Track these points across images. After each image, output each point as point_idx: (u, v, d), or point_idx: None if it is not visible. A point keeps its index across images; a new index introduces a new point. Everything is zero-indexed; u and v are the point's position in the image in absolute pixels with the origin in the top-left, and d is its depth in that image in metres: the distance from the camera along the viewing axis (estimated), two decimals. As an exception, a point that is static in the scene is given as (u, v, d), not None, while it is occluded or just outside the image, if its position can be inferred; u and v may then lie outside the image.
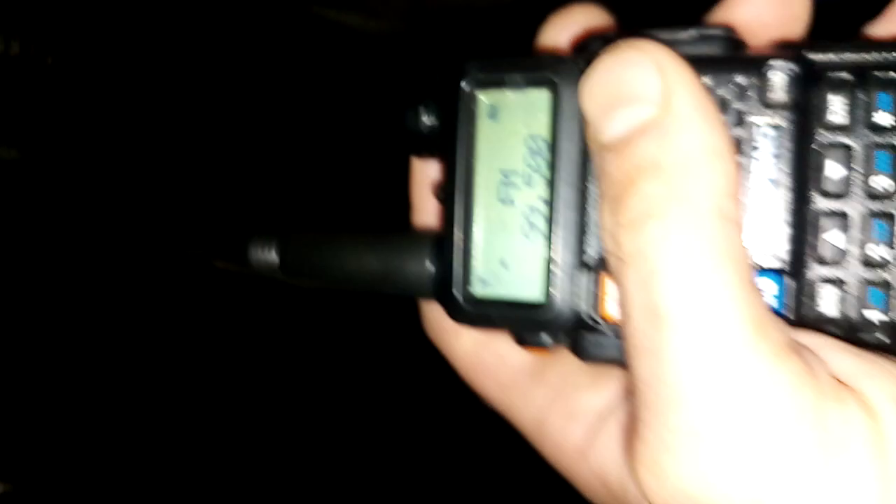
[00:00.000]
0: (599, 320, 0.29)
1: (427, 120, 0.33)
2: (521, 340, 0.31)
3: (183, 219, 0.87)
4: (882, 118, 0.27)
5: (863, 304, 0.28)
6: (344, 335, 0.95)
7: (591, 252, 0.29)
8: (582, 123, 0.29)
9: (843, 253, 0.28)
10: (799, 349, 0.25)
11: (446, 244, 0.31)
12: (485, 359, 0.35)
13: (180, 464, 0.99)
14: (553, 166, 0.30)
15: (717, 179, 0.25)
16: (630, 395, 0.27)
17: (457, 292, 0.31)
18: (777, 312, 0.28)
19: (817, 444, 0.23)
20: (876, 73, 0.27)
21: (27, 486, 0.95)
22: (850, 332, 0.28)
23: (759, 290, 0.25)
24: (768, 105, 0.28)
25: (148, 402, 0.99)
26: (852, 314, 0.28)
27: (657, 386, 0.24)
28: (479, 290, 0.31)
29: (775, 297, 0.28)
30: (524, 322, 0.31)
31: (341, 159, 0.86)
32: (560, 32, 0.34)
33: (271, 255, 0.36)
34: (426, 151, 0.35)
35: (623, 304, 0.25)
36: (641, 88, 0.25)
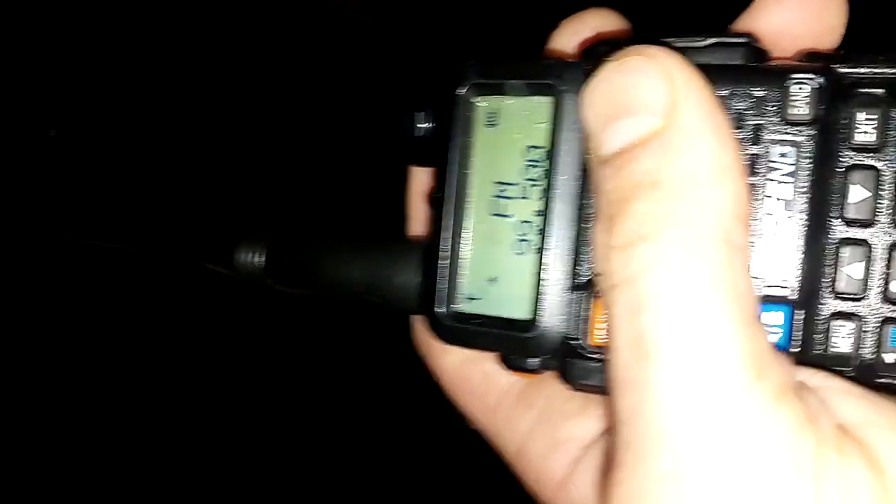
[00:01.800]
0: (588, 346, 0.27)
1: (424, 126, 0.32)
2: (507, 362, 0.29)
3: (174, 217, 0.86)
4: None
5: (882, 345, 0.25)
6: (340, 338, 0.93)
7: (586, 273, 0.27)
8: (583, 135, 0.27)
9: (863, 287, 0.25)
10: (801, 392, 0.22)
11: (433, 257, 0.29)
12: (471, 377, 0.33)
13: (177, 463, 0.99)
14: (550, 179, 0.27)
15: (723, 201, 0.22)
16: (610, 432, 0.25)
17: (441, 307, 0.29)
18: (782, 348, 0.25)
19: (814, 501, 0.20)
20: None
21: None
22: (866, 373, 0.25)
23: (762, 324, 0.23)
24: (789, 121, 0.25)
25: (146, 403, 0.99)
26: (869, 354, 0.25)
27: (639, 425, 0.22)
28: (464, 306, 0.29)
29: (782, 328, 0.25)
30: (509, 342, 0.28)
31: (341, 162, 0.84)
32: (572, 37, 0.32)
33: (258, 260, 0.34)
34: (424, 159, 0.33)
35: (610, 333, 0.23)
36: (646, 98, 0.23)
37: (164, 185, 0.93)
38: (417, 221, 0.34)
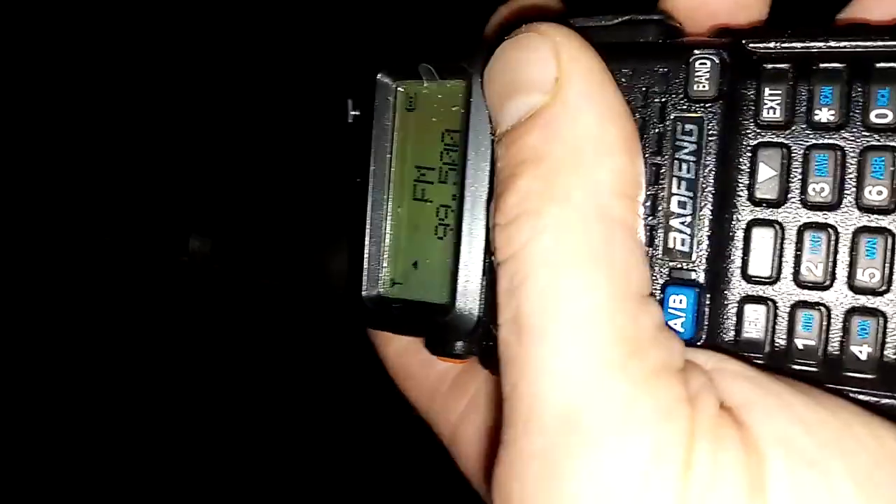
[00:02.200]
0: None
1: (355, 113, 0.32)
2: (430, 347, 0.29)
3: (134, 212, 0.87)
4: (824, 115, 0.24)
5: (794, 330, 0.24)
6: (338, 338, 0.93)
7: None
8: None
9: (774, 270, 0.24)
10: (686, 374, 0.21)
11: (358, 242, 0.30)
12: (410, 364, 0.33)
13: (177, 463, 1.00)
14: (463, 162, 0.27)
15: (605, 177, 0.22)
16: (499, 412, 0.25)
17: (364, 291, 0.29)
18: (688, 332, 0.24)
19: (680, 484, 0.19)
20: (821, 64, 0.24)
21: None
22: (779, 360, 0.24)
23: (651, 302, 0.22)
24: (692, 98, 0.25)
25: (146, 403, 1.00)
26: (780, 339, 0.24)
27: (514, 403, 0.21)
28: (387, 290, 0.30)
29: (685, 312, 0.24)
30: (429, 326, 0.28)
31: (286, 151, 0.84)
32: (507, 19, 0.32)
33: (207, 248, 0.35)
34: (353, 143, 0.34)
35: (497, 310, 0.23)
36: (534, 74, 0.23)
37: (121, 181, 0.94)
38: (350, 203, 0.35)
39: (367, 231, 0.29)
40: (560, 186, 0.22)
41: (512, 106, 0.24)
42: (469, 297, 0.27)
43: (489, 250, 0.27)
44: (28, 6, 0.95)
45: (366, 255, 0.29)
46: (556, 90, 0.23)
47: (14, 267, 0.98)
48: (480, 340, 0.28)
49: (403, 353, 0.34)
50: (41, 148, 0.97)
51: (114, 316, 0.99)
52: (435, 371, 0.33)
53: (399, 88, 0.29)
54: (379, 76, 0.29)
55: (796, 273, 0.24)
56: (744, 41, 0.25)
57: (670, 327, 0.23)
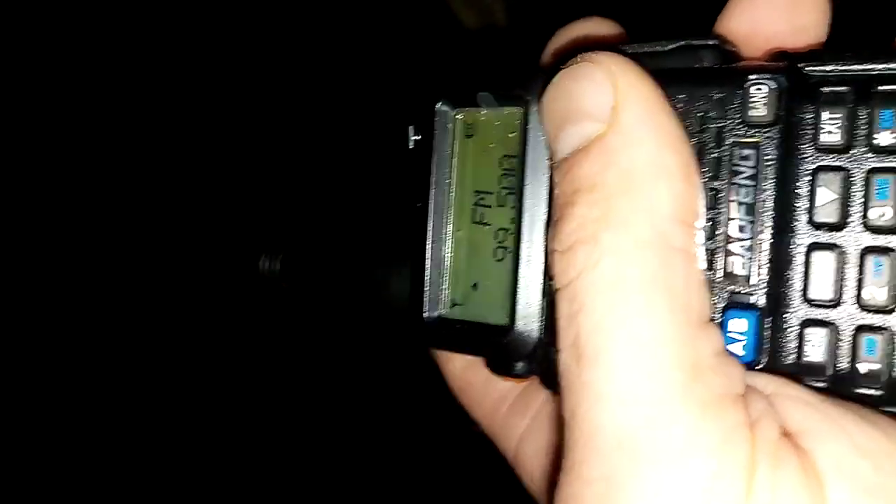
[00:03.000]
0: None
1: (415, 139, 0.33)
2: (491, 366, 0.30)
3: (199, 229, 0.89)
4: (884, 138, 0.24)
5: (856, 353, 0.24)
6: (343, 341, 0.93)
7: None
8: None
9: (835, 293, 0.24)
10: (744, 399, 0.22)
11: (420, 265, 0.31)
12: (473, 382, 0.34)
13: (178, 463, 1.01)
14: (521, 187, 0.28)
15: (661, 202, 0.22)
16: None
17: (426, 312, 0.31)
18: (748, 356, 0.24)
19: None
20: (880, 87, 0.24)
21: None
22: (842, 384, 0.24)
23: (710, 328, 0.22)
24: (749, 123, 0.25)
25: (148, 404, 1.01)
26: (842, 363, 0.24)
27: (575, 428, 0.22)
28: (448, 311, 0.30)
29: (746, 336, 0.25)
30: (489, 347, 0.29)
31: (351, 175, 0.86)
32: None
33: (276, 268, 0.37)
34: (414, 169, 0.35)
35: (557, 336, 0.24)
36: (590, 103, 0.24)
37: (185, 199, 0.96)
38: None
39: (428, 254, 0.30)
40: (617, 213, 0.22)
41: (568, 134, 0.24)
42: (528, 319, 0.28)
43: (548, 273, 0.28)
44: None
45: (427, 278, 0.30)
46: (612, 119, 0.23)
47: (50, 267, 1.01)
48: (541, 361, 0.28)
49: (466, 370, 0.34)
50: (113, 166, 1.01)
51: (181, 333, 1.02)
52: (497, 389, 0.34)
53: (458, 116, 0.30)
54: (439, 104, 0.30)
55: (858, 296, 0.24)
56: (801, 64, 0.25)
57: (730, 352, 0.24)
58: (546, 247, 0.28)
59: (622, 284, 0.22)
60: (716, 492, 0.20)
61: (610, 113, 0.23)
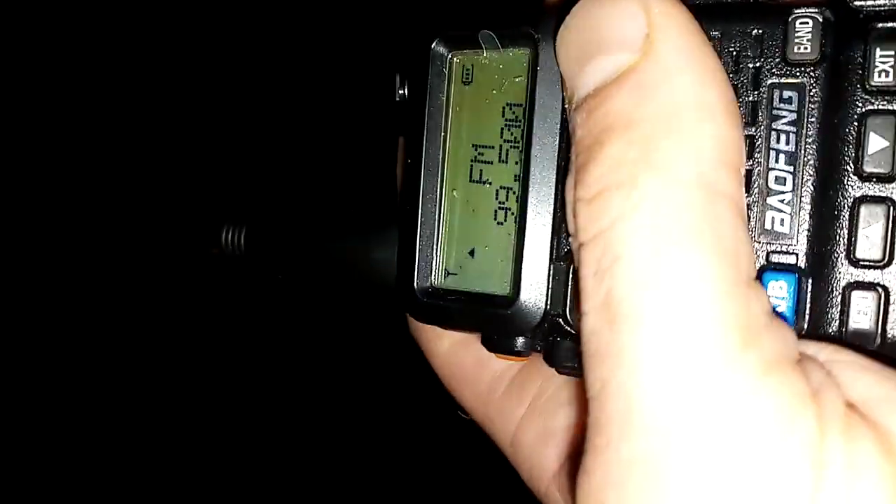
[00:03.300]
0: (573, 322, 0.24)
1: (404, 92, 0.29)
2: (489, 343, 0.27)
3: (159, 204, 0.84)
4: None
5: None
6: (340, 332, 0.90)
7: (569, 242, 0.24)
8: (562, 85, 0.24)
9: (886, 252, 0.22)
10: (803, 366, 0.19)
11: (409, 229, 0.27)
12: (463, 363, 0.31)
13: (178, 462, 0.97)
14: (528, 139, 0.25)
15: (707, 143, 0.19)
16: (582, 414, 0.22)
17: (416, 282, 0.27)
18: (785, 319, 0.22)
19: (813, 492, 0.17)
20: None
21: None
22: (887, 350, 0.21)
23: (759, 287, 0.20)
24: (791, 62, 0.22)
25: (147, 402, 0.97)
26: (892, 331, 0.21)
27: (609, 401, 0.19)
28: (441, 281, 0.27)
29: (786, 300, 0.22)
30: (489, 320, 0.26)
31: (327, 135, 0.81)
32: None
33: (239, 240, 0.33)
34: (405, 121, 0.31)
35: (580, 298, 0.20)
36: (620, 31, 0.21)
37: (146, 171, 0.91)
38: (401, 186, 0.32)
39: (419, 217, 0.27)
40: (658, 153, 0.19)
41: (594, 67, 0.21)
42: (534, 288, 0.25)
43: (558, 234, 0.25)
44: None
45: (417, 244, 0.27)
46: (646, 47, 0.20)
47: (35, 259, 0.96)
48: (546, 335, 0.25)
49: (454, 351, 0.31)
50: (71, 140, 0.95)
51: (139, 309, 0.97)
52: (490, 371, 0.30)
53: (455, 59, 0.27)
54: (433, 46, 0.27)
55: None
56: None
57: (777, 313, 0.21)
58: (557, 202, 0.25)
59: (665, 234, 0.19)
60: (780, 472, 0.17)
61: (643, 42, 0.20)
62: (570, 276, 0.24)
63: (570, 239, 0.21)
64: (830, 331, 0.22)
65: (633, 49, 0.20)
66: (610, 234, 0.19)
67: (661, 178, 0.19)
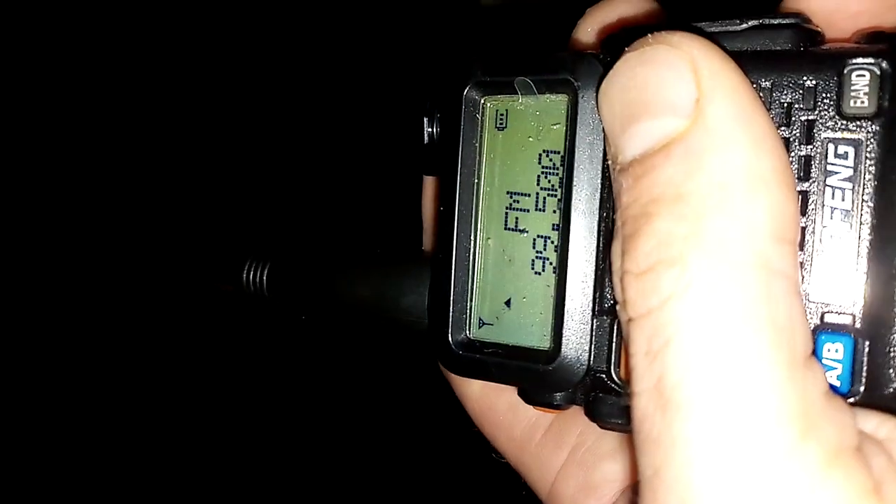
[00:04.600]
0: (617, 380, 0.24)
1: (433, 132, 0.28)
2: (526, 396, 0.26)
3: (180, 236, 0.84)
4: None
5: None
6: (345, 348, 0.89)
7: (612, 295, 0.24)
8: (604, 136, 0.23)
9: None
10: (864, 450, 0.18)
11: (440, 278, 0.27)
12: (496, 407, 0.30)
13: (177, 471, 0.97)
14: (568, 188, 0.24)
15: (760, 218, 0.18)
16: (635, 489, 0.21)
17: (450, 334, 0.26)
18: (844, 387, 0.21)
19: None
20: None
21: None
22: None
23: (814, 364, 0.19)
24: (847, 116, 0.21)
25: (146, 414, 0.97)
26: None
27: (661, 490, 0.18)
28: (476, 333, 0.26)
29: (842, 363, 0.21)
30: (528, 375, 0.25)
31: (354, 174, 0.80)
32: (599, 27, 0.28)
33: (262, 276, 0.32)
34: (435, 167, 0.30)
35: (630, 375, 0.20)
36: (668, 94, 0.20)
37: (169, 201, 0.90)
38: (433, 235, 0.32)
39: (453, 265, 0.26)
40: (709, 230, 0.18)
41: (640, 131, 0.20)
42: (577, 342, 0.24)
43: (601, 287, 0.24)
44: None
45: (452, 294, 0.26)
46: (696, 113, 0.19)
47: (38, 276, 0.95)
48: (588, 390, 0.25)
49: (486, 394, 0.30)
50: (95, 164, 0.94)
51: (142, 345, 0.96)
52: (525, 416, 0.30)
53: (488, 104, 0.26)
54: (466, 90, 0.26)
55: None
56: None
57: (832, 387, 0.20)
58: (599, 254, 0.24)
59: (718, 317, 0.18)
60: None
61: (693, 107, 0.19)
62: (615, 331, 0.24)
63: (618, 307, 0.21)
64: (888, 391, 0.21)
65: (681, 114, 0.19)
66: (661, 315, 0.18)
67: (712, 258, 0.18)
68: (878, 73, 0.21)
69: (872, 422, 0.20)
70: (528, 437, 0.29)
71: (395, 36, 0.87)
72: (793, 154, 0.22)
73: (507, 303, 0.26)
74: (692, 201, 0.19)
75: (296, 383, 0.96)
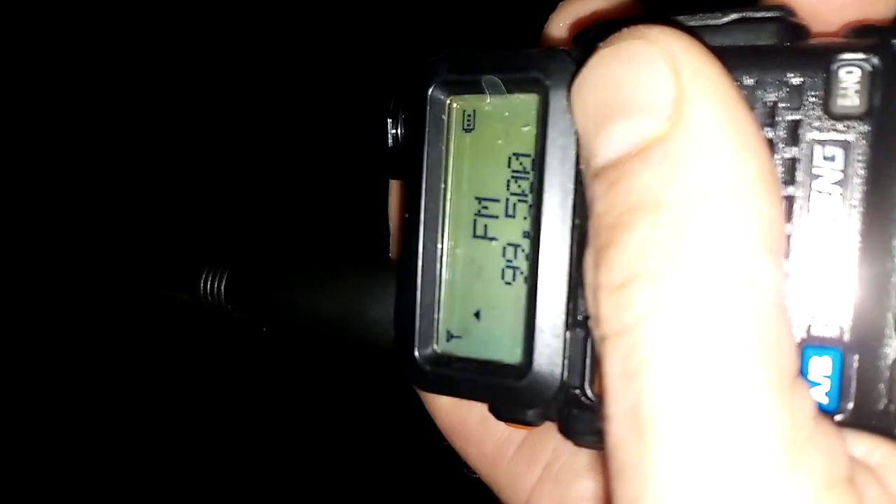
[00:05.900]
0: (592, 396, 0.22)
1: (397, 134, 0.27)
2: (497, 412, 0.25)
3: (135, 242, 0.81)
4: None
5: None
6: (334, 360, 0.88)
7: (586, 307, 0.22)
8: (577, 138, 0.22)
9: None
10: (856, 478, 0.17)
11: (408, 288, 0.25)
12: (467, 421, 0.29)
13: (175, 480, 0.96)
14: (539, 193, 0.23)
15: (745, 228, 0.17)
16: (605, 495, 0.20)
17: (417, 349, 0.25)
18: (831, 405, 0.20)
19: None
20: None
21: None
22: None
23: (802, 386, 0.17)
24: (835, 115, 0.20)
25: (143, 426, 0.96)
26: None
27: None
28: (445, 346, 0.25)
29: (830, 379, 0.20)
30: (498, 391, 0.24)
31: (315, 178, 0.78)
32: (571, 21, 0.27)
33: (220, 285, 0.30)
34: (400, 171, 0.28)
35: (604, 397, 0.18)
36: (645, 94, 0.18)
37: (125, 206, 0.88)
38: (399, 242, 0.30)
39: (419, 276, 0.25)
40: (689, 241, 0.17)
41: (615, 133, 0.19)
42: (549, 357, 0.23)
43: (574, 298, 0.22)
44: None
45: (418, 306, 0.25)
46: (676, 114, 0.18)
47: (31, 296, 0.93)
48: (561, 406, 0.23)
49: (456, 407, 0.29)
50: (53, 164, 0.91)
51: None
52: (497, 431, 0.28)
53: (454, 104, 0.24)
54: (430, 90, 0.24)
55: None
56: (892, 41, 0.20)
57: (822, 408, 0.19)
58: (572, 264, 0.22)
59: (699, 336, 0.16)
60: None
61: (673, 107, 0.18)
62: (589, 345, 0.22)
63: (590, 323, 0.19)
64: (879, 408, 0.20)
65: (660, 115, 0.18)
66: (637, 333, 0.17)
67: (693, 272, 0.17)
68: (869, 69, 0.19)
69: (864, 445, 0.18)
70: (501, 452, 0.28)
71: (357, 34, 0.85)
72: (778, 157, 0.20)
73: (477, 315, 0.24)
74: (671, 210, 0.17)
75: (262, 396, 0.94)
